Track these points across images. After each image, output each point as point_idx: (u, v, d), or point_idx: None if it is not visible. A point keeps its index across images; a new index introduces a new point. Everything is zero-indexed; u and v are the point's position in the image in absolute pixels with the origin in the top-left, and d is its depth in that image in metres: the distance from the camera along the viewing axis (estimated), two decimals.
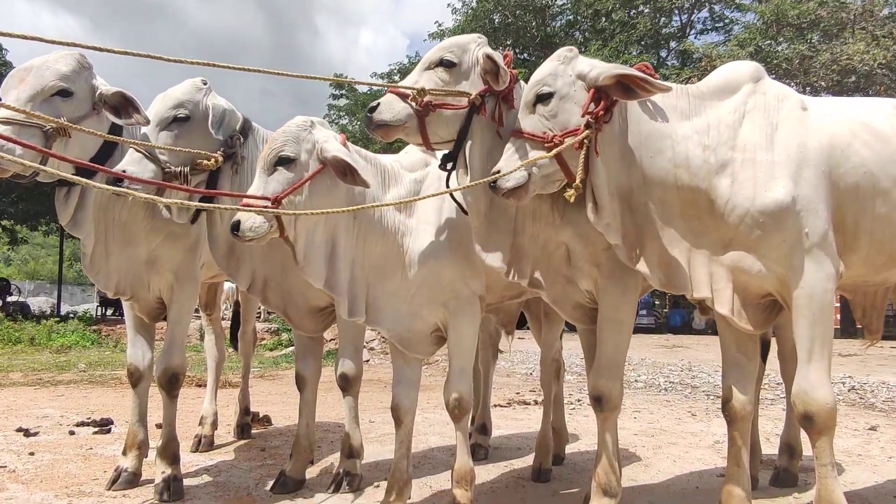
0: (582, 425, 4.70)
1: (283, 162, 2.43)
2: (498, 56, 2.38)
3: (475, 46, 2.50)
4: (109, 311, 27.27)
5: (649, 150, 2.29)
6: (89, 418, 4.84)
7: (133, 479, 3.11)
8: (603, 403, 2.54)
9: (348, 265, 2.54)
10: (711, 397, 6.31)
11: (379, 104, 2.41)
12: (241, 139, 2.90)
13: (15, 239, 25.77)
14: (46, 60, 2.58)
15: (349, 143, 2.65)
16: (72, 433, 4.40)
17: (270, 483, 3.16)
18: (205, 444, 3.97)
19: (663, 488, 3.20)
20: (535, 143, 2.25)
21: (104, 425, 4.60)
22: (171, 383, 3.06)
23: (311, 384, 3.23)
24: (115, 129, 2.78)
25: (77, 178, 1.97)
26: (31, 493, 3.01)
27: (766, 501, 2.97)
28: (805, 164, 2.25)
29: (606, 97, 2.23)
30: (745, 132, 2.30)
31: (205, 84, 2.85)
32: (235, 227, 2.30)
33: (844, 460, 3.69)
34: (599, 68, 2.24)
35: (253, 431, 4.52)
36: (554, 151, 2.22)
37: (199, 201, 2.85)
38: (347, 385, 3.19)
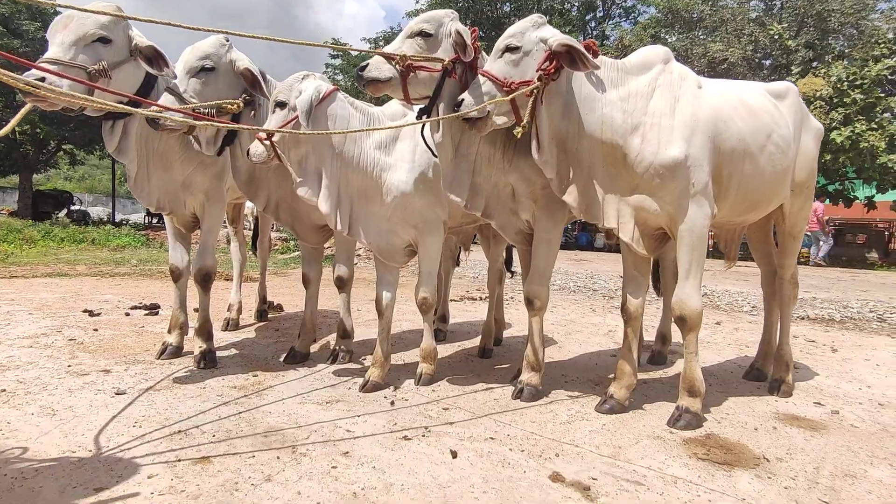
0: (514, 317, 4.76)
1: (279, 105, 2.36)
2: (466, 32, 2.22)
3: (448, 20, 2.30)
4: (155, 220, 26.24)
5: (585, 109, 2.18)
6: (141, 303, 4.68)
7: (177, 352, 3.03)
8: (534, 304, 2.54)
9: (335, 189, 2.43)
10: (607, 298, 6.47)
11: (368, 64, 2.22)
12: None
13: (75, 160, 24.20)
14: (87, 11, 2.26)
15: (342, 94, 2.47)
16: (127, 314, 4.25)
17: (284, 355, 3.14)
18: (232, 325, 3.89)
19: (571, 364, 3.28)
20: (497, 84, 2.12)
21: (153, 308, 4.46)
22: (205, 280, 2.94)
23: (314, 283, 3.15)
24: (150, 76, 2.52)
25: (123, 107, 1.78)
26: (95, 360, 2.91)
27: (644, 375, 3.05)
28: (696, 130, 2.18)
29: (558, 61, 2.09)
30: (655, 102, 2.20)
31: (227, 41, 2.58)
32: (247, 153, 2.35)
33: None
34: (559, 37, 2.09)
35: (269, 316, 4.46)
36: (510, 96, 2.11)
37: (224, 138, 2.66)
38: (342, 284, 3.12)
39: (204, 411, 2.21)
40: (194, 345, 2.92)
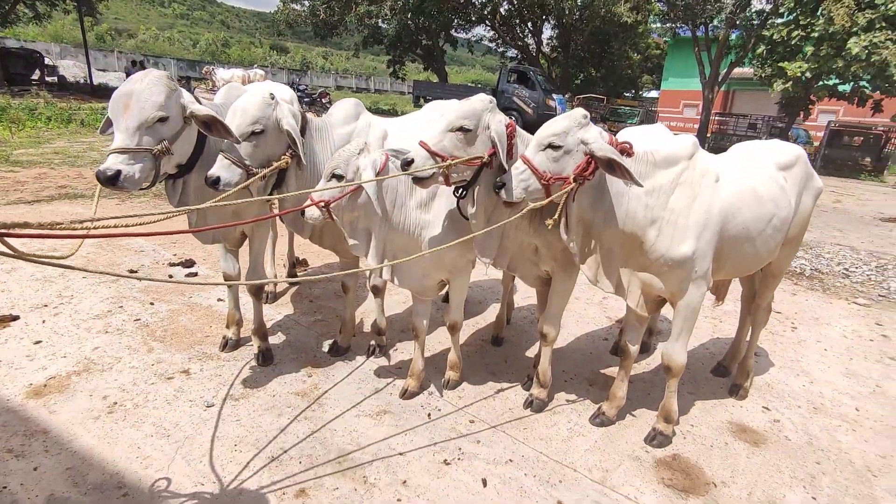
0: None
1: (337, 177, 2.54)
2: (503, 136, 2.39)
3: (486, 114, 2.46)
4: None
5: (613, 203, 2.45)
6: (175, 255, 5.07)
7: (237, 344, 3.54)
8: (547, 338, 3.02)
9: (381, 246, 2.75)
10: None
11: (413, 161, 2.39)
12: (302, 139, 2.80)
13: (38, 15, 22.12)
14: (144, 90, 2.35)
15: (391, 161, 2.66)
16: (170, 276, 4.67)
17: (325, 344, 3.68)
18: (271, 298, 4.34)
19: (570, 353, 3.85)
20: (536, 174, 2.35)
21: (190, 266, 4.87)
22: (258, 292, 3.35)
23: (352, 289, 3.56)
24: (202, 137, 2.66)
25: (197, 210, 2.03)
26: (170, 354, 3.42)
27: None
28: (707, 227, 2.48)
29: (594, 164, 2.31)
30: (675, 199, 2.47)
31: (273, 98, 2.66)
32: (302, 213, 2.57)
33: None
34: (601, 146, 2.29)
35: (298, 273, 4.92)
36: (547, 200, 2.38)
37: (274, 185, 2.87)
38: (377, 291, 3.55)
39: (283, 428, 2.79)
40: (253, 344, 3.43)
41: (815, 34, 12.88)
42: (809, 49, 13.06)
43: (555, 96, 18.96)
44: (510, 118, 2.62)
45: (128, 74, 25.03)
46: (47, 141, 11.57)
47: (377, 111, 28.42)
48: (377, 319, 3.62)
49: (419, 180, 2.46)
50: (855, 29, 12.29)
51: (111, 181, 2.28)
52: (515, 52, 23.27)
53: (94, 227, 1.69)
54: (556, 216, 2.41)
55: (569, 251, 2.75)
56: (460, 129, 2.42)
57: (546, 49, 22.79)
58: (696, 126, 21.81)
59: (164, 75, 2.46)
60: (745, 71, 21.17)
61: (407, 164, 2.41)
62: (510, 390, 3.33)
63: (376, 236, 2.71)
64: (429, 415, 3.01)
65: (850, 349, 4.28)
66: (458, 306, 3.10)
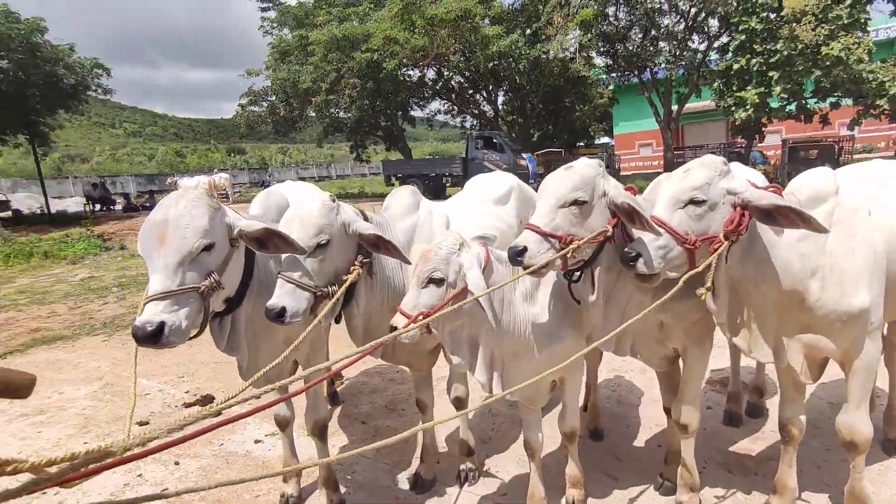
0: None
1: (435, 281, 2.05)
2: (636, 203, 1.98)
3: (601, 180, 2.08)
4: (98, 207, 24.54)
5: (763, 255, 2.06)
6: (188, 392, 4.37)
7: (299, 501, 2.87)
8: (688, 429, 2.50)
9: (488, 354, 2.24)
10: None
11: (526, 249, 1.97)
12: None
13: None
14: (182, 215, 1.88)
15: (491, 253, 2.21)
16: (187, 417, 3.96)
17: (404, 479, 3.03)
18: None
19: (646, 452, 3.18)
20: (676, 238, 1.95)
21: (209, 403, 4.18)
22: (322, 431, 2.74)
23: (430, 407, 2.96)
24: (250, 255, 2.18)
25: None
26: None
27: (751, 437, 3.18)
28: (877, 271, 2.10)
29: (748, 215, 1.92)
30: (832, 241, 2.09)
31: (334, 202, 2.22)
32: (393, 328, 1.98)
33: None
34: (759, 194, 1.92)
35: (337, 387, 4.28)
36: (702, 266, 1.95)
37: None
38: (460, 404, 2.99)
39: None
40: (321, 495, 2.77)
41: (777, 58, 13.57)
42: (774, 74, 13.73)
43: (524, 155, 19.33)
44: None
45: (88, 197, 24.56)
46: (8, 280, 10.70)
47: (347, 196, 28.47)
48: (463, 436, 3.02)
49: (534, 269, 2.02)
50: (821, 39, 13.03)
51: (153, 338, 1.76)
52: (473, 119, 24.05)
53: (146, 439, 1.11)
54: (708, 284, 1.99)
55: (703, 323, 2.33)
56: (574, 202, 2.02)
57: (503, 112, 23.63)
58: (659, 163, 22.61)
59: (203, 193, 2.01)
60: (691, 105, 22.30)
61: (518, 253, 1.97)
62: (644, 497, 2.74)
63: (484, 344, 2.20)
64: None
65: None
66: (574, 409, 2.56)
